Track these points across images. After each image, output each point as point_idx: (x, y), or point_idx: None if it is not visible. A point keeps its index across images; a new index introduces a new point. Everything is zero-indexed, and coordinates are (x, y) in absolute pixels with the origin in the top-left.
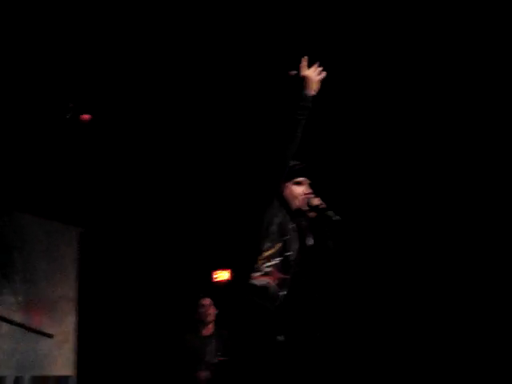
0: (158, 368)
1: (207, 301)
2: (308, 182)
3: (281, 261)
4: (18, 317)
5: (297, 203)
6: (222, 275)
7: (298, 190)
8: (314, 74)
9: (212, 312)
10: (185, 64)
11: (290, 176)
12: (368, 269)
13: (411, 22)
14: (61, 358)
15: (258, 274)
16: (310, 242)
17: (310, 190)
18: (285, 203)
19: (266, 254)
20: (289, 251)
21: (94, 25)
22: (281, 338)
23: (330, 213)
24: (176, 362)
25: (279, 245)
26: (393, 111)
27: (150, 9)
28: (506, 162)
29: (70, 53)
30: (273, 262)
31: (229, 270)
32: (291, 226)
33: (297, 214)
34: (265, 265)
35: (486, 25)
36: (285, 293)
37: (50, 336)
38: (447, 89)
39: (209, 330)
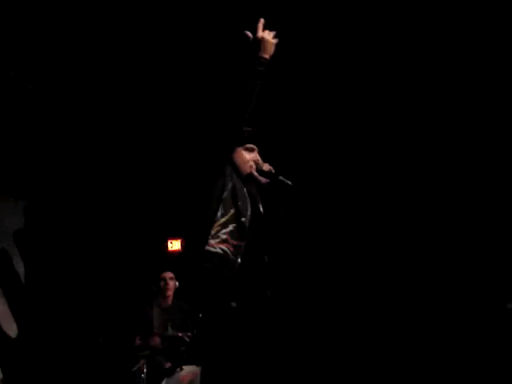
0: (110, 338)
1: (168, 274)
2: (257, 149)
3: (235, 227)
4: None
5: (248, 169)
6: (175, 245)
7: (249, 156)
8: (270, 37)
9: (172, 286)
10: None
11: (241, 141)
12: (321, 235)
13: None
14: None
15: (215, 240)
16: (261, 208)
17: (258, 157)
18: (236, 168)
19: (221, 220)
20: (243, 217)
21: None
22: (234, 304)
23: (282, 178)
24: (129, 332)
25: (232, 211)
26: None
27: None
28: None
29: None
30: (228, 229)
31: (179, 240)
32: (244, 191)
33: (248, 179)
34: (221, 231)
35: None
36: (239, 260)
37: None
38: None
39: (167, 301)
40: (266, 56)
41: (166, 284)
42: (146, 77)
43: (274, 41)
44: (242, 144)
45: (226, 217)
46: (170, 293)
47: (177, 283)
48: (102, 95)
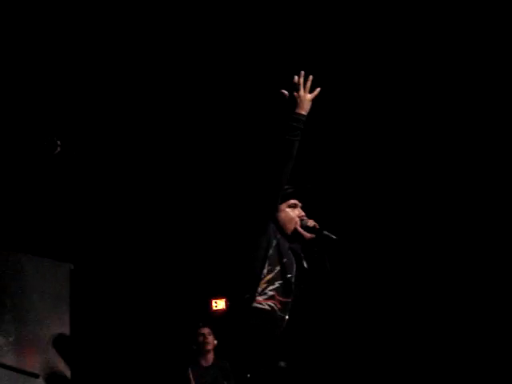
0: None
1: (206, 330)
2: (300, 204)
3: (281, 284)
4: (9, 358)
5: (292, 226)
6: (220, 304)
7: (293, 213)
8: (306, 93)
9: (211, 341)
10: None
11: (284, 199)
12: (367, 285)
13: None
14: None
15: (262, 297)
16: (305, 264)
17: (303, 213)
18: (280, 226)
19: (268, 277)
20: (289, 274)
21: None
22: (283, 364)
23: (327, 233)
24: None
25: (278, 268)
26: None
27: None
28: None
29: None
30: (275, 286)
31: (224, 299)
32: (288, 248)
33: (293, 236)
34: (268, 288)
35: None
36: (287, 317)
37: (36, 376)
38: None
39: (208, 360)
40: (303, 112)
41: (205, 339)
42: (184, 136)
43: (311, 96)
44: (284, 201)
45: (272, 274)
46: (210, 348)
47: (215, 341)
48: (143, 151)
